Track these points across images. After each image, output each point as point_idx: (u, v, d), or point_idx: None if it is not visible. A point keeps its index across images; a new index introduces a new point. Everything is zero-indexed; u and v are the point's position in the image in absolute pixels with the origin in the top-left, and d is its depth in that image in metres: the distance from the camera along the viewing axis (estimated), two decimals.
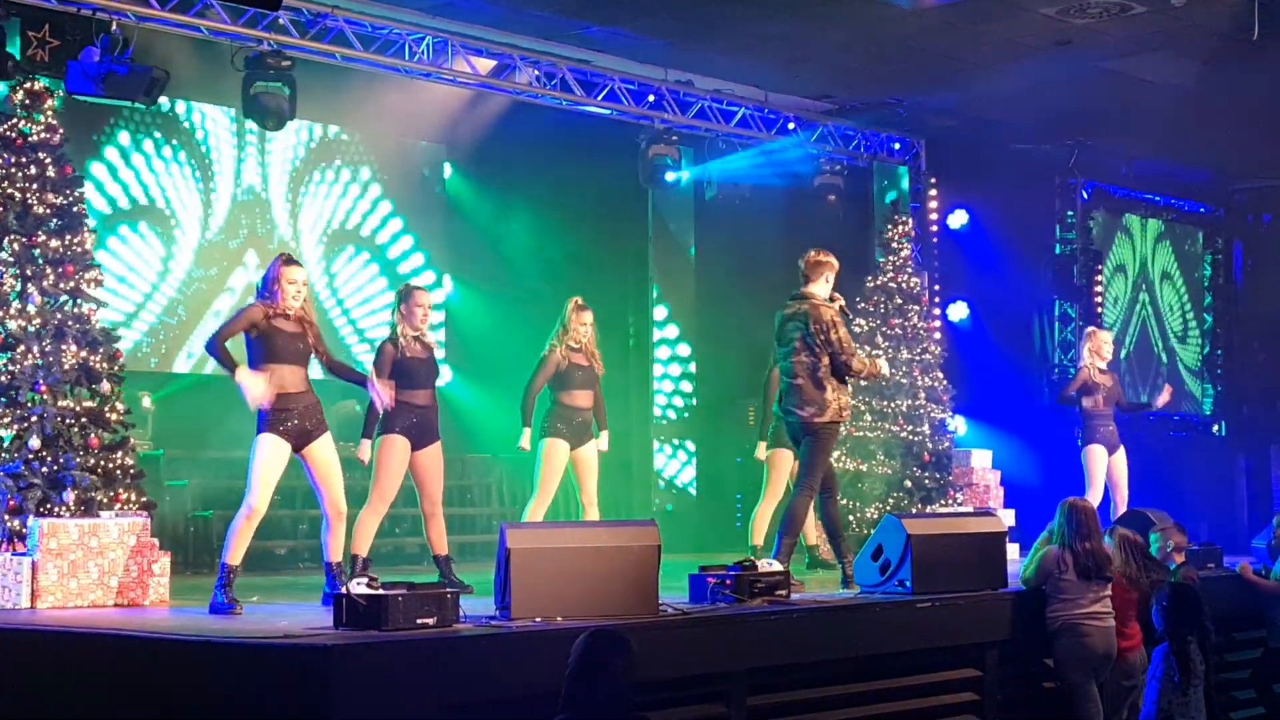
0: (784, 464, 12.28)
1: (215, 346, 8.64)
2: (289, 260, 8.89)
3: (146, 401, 12.77)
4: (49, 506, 9.37)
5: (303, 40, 12.23)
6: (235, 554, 8.60)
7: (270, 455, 8.60)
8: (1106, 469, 12.43)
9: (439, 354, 9.97)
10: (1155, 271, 20.26)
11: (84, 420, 9.70)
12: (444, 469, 9.91)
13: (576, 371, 10.72)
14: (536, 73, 13.71)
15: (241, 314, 8.79)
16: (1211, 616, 9.54)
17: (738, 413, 16.31)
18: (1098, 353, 12.54)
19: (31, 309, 9.73)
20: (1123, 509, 12.25)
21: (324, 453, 8.82)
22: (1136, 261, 20.01)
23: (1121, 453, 12.56)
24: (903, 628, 8.80)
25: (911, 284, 15.39)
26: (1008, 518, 13.32)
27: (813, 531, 12.66)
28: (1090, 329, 12.91)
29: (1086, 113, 16.18)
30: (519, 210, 15.63)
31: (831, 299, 9.88)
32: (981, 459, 14.85)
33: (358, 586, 7.07)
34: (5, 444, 9.52)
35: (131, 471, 9.86)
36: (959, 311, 17.21)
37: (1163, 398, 13.03)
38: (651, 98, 14.54)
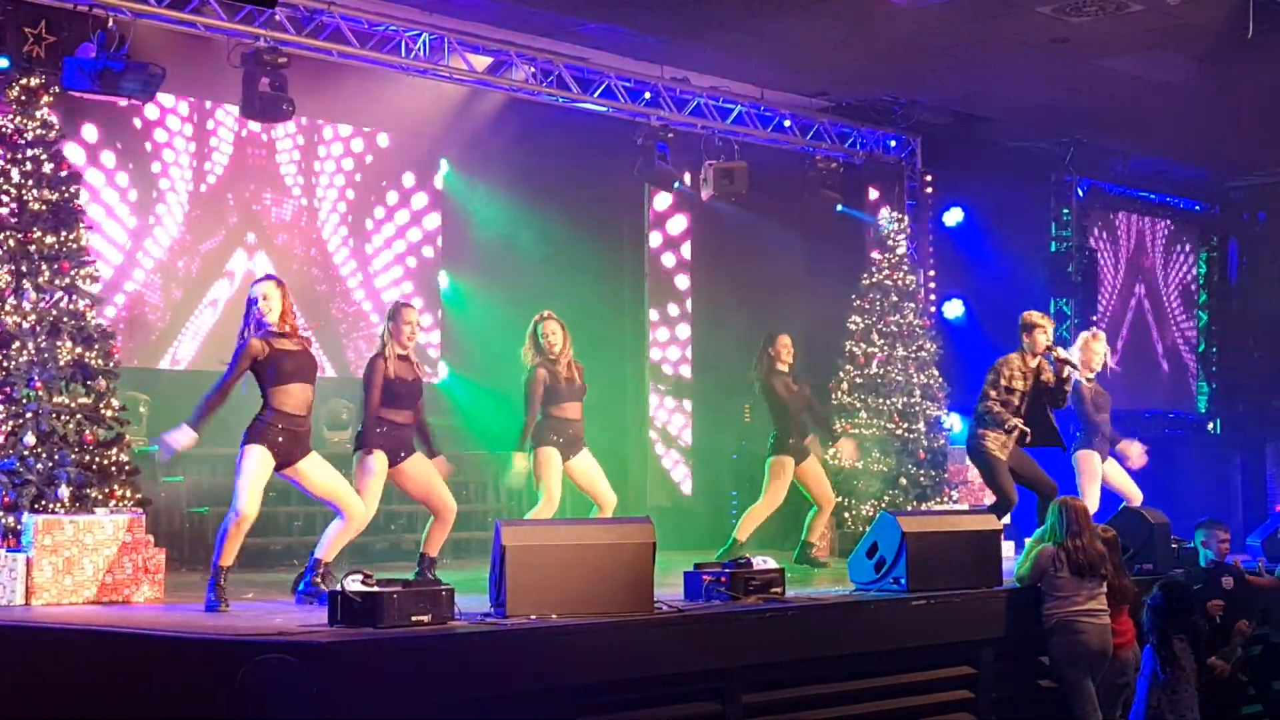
0: (785, 471, 12.24)
1: (208, 403, 8.73)
2: (272, 281, 8.89)
3: (143, 409, 12.77)
4: (44, 503, 9.37)
5: (299, 37, 12.22)
6: (226, 556, 8.62)
7: (259, 466, 8.62)
8: (1103, 475, 12.35)
9: (428, 375, 9.79)
10: (1150, 270, 20.27)
11: (79, 417, 9.69)
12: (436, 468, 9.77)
13: (560, 384, 10.68)
14: (533, 70, 13.71)
15: (241, 355, 8.70)
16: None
17: (733, 411, 16.31)
18: (1088, 364, 12.38)
19: (27, 305, 9.73)
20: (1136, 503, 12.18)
21: (314, 469, 8.81)
22: (1131, 259, 20.02)
23: (1114, 460, 12.50)
24: (898, 625, 8.81)
25: (907, 281, 15.42)
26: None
27: (817, 530, 12.67)
28: (1088, 335, 12.64)
29: (1082, 110, 16.20)
30: (515, 207, 15.61)
31: (1046, 353, 11.03)
32: None
33: (352, 584, 7.07)
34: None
35: (126, 468, 9.85)
36: (955, 309, 17.21)
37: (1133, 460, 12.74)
38: (648, 95, 14.53)
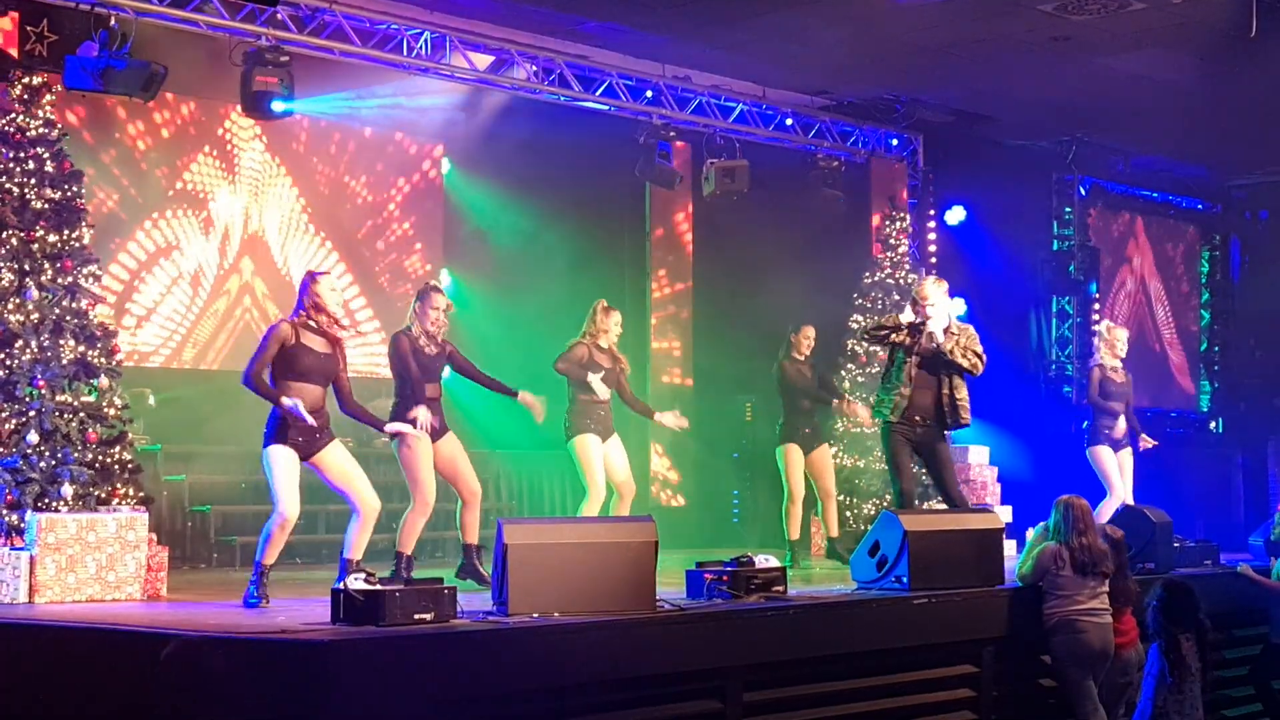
0: (793, 458, 12.39)
1: (252, 380, 8.50)
2: (323, 273, 8.90)
3: (151, 400, 12.79)
4: (47, 501, 9.39)
5: (301, 35, 12.23)
6: (269, 556, 8.64)
7: (288, 465, 8.56)
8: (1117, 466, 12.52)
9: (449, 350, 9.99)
10: (1152, 268, 20.27)
11: (82, 415, 9.71)
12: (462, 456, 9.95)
13: (598, 369, 10.80)
14: (534, 68, 13.71)
15: (271, 336, 8.60)
16: (1209, 613, 9.54)
17: (735, 408, 16.31)
18: (1112, 349, 12.57)
19: (30, 304, 9.74)
20: (1119, 502, 12.29)
21: (335, 458, 8.74)
22: (1133, 258, 20.02)
23: (1128, 451, 12.61)
24: (899, 624, 8.80)
25: (909, 280, 15.42)
26: (1005, 514, 13.31)
27: (794, 520, 12.72)
28: (1106, 324, 12.91)
29: (1084, 109, 16.20)
30: (517, 206, 15.63)
31: (921, 321, 10.26)
32: (979, 455, 14.85)
33: (355, 582, 7.08)
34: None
35: (129, 466, 9.87)
36: (956, 308, 17.20)
37: (1143, 443, 12.90)
38: (649, 93, 14.54)
